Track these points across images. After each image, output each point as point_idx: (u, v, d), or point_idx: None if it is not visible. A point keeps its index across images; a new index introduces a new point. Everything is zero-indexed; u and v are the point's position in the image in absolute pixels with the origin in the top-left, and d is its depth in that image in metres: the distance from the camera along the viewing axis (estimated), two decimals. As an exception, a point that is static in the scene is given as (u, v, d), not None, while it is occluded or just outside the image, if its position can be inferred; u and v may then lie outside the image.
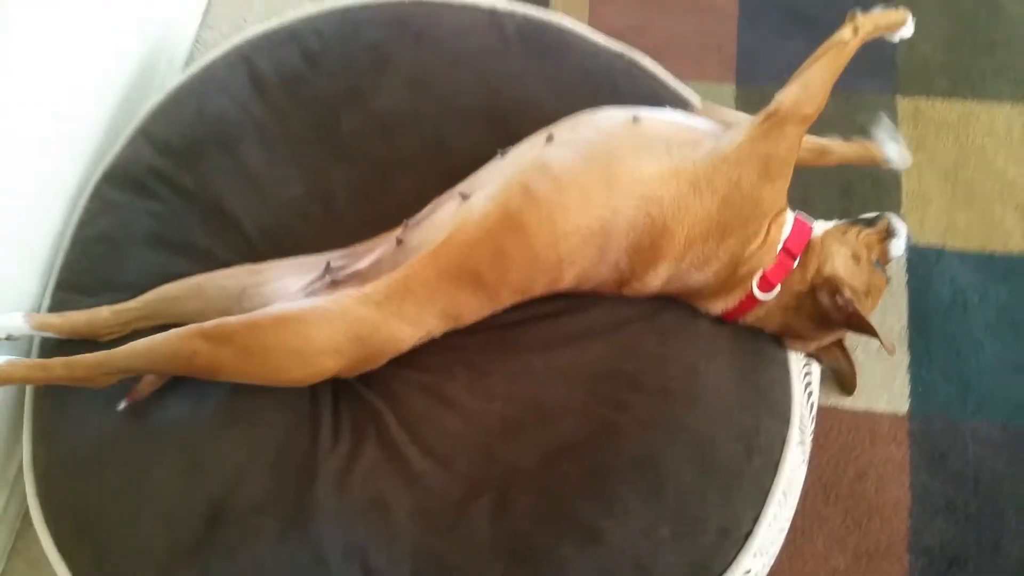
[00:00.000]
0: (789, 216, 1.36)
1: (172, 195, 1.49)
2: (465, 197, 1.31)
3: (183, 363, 1.24)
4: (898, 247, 1.40)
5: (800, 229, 1.35)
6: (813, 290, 1.33)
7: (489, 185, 1.31)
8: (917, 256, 1.72)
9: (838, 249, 1.36)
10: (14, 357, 1.32)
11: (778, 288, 1.33)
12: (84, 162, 1.62)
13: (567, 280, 1.33)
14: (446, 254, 1.27)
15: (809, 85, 1.29)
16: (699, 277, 1.32)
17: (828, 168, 1.77)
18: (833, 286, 1.32)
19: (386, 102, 1.52)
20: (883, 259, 1.39)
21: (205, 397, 1.34)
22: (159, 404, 1.34)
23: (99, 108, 1.67)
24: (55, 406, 1.39)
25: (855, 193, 1.78)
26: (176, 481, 1.30)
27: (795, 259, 1.33)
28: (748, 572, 1.29)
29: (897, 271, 1.70)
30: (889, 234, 1.40)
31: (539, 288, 1.33)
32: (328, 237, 1.44)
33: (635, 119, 1.33)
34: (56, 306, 1.46)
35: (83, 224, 1.51)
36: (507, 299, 1.34)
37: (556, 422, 1.33)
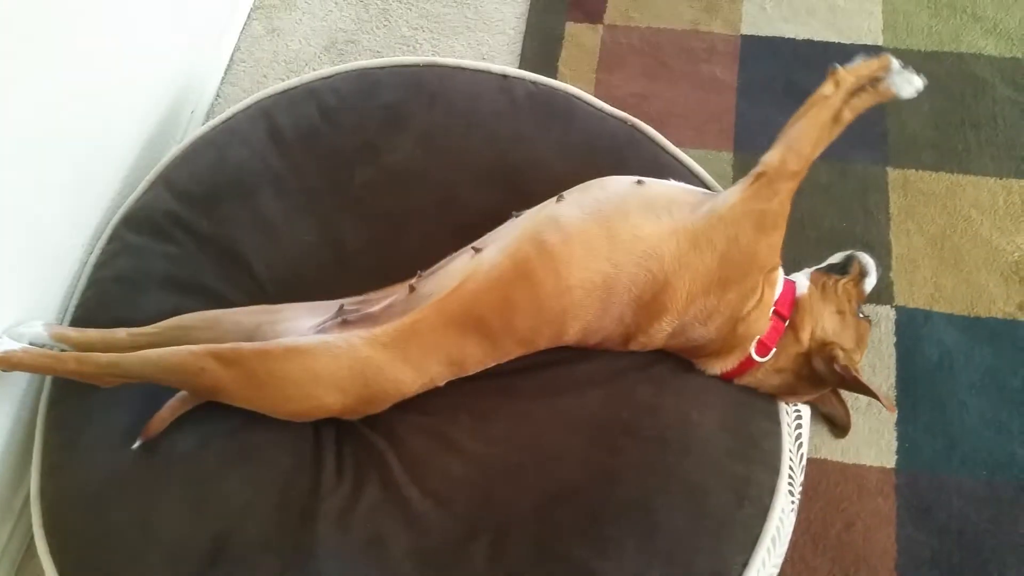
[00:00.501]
0: (780, 276, 1.43)
1: (188, 239, 1.56)
2: (477, 251, 1.38)
3: (189, 378, 1.30)
4: (871, 283, 1.51)
5: (787, 289, 1.42)
6: (808, 354, 1.40)
7: (501, 240, 1.37)
8: (906, 318, 1.78)
9: (823, 308, 1.43)
10: (30, 346, 1.39)
11: (773, 351, 1.40)
12: (104, 206, 1.70)
13: (571, 334, 1.38)
14: (454, 302, 1.32)
15: (794, 143, 1.35)
16: (702, 332, 1.38)
17: (819, 232, 1.88)
18: (827, 353, 1.39)
19: (399, 159, 1.61)
20: (860, 299, 1.49)
21: (212, 436, 1.40)
22: (167, 440, 1.39)
23: (122, 155, 1.76)
24: (65, 440, 1.44)
25: (847, 257, 1.86)
26: (181, 517, 1.34)
27: (786, 320, 1.40)
28: (737, 618, 1.33)
29: (886, 332, 1.77)
30: (862, 275, 1.49)
31: (543, 340, 1.39)
32: (337, 284, 1.49)
33: (639, 182, 1.41)
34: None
35: (100, 265, 1.58)
36: (511, 350, 1.39)
37: (554, 466, 1.38)
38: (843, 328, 1.44)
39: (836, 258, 1.54)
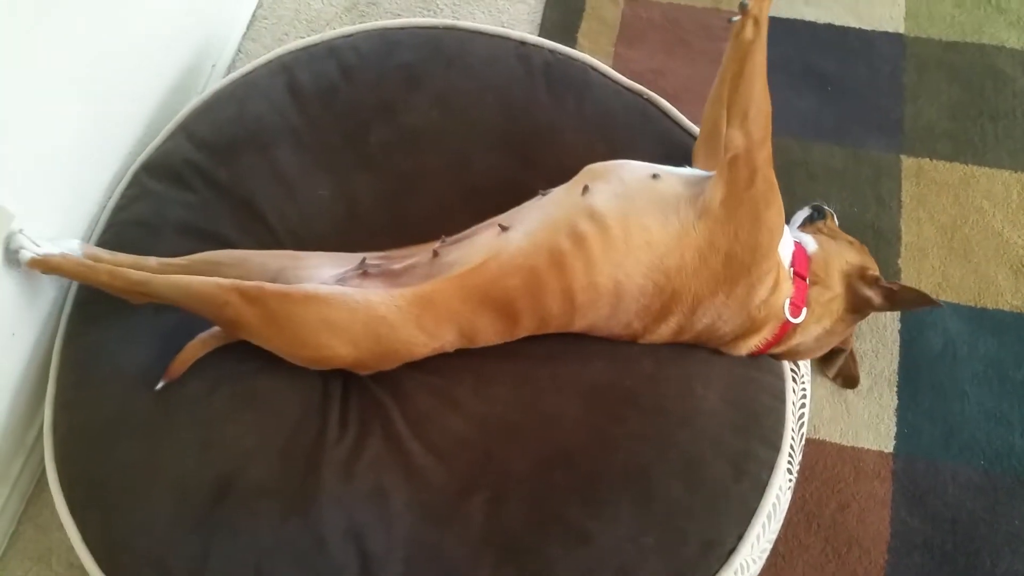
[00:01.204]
0: (788, 242, 1.44)
1: (206, 188, 1.57)
2: (504, 229, 1.38)
3: (214, 309, 1.32)
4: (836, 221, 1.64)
5: (798, 251, 1.44)
6: (848, 288, 1.45)
7: (528, 223, 1.37)
8: (912, 305, 1.79)
9: (838, 248, 1.49)
10: (69, 252, 1.42)
11: (805, 310, 1.41)
12: (124, 152, 1.70)
13: (577, 327, 1.40)
14: (476, 278, 1.33)
15: (749, 112, 1.31)
16: (716, 326, 1.38)
17: (831, 216, 1.87)
18: (869, 276, 1.44)
19: (414, 119, 1.61)
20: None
21: (221, 380, 1.41)
22: (179, 382, 1.40)
23: (144, 103, 1.77)
24: (78, 378, 1.46)
25: (856, 242, 1.87)
26: (187, 456, 1.36)
27: (806, 279, 1.42)
28: (729, 588, 1.34)
29: (890, 318, 1.77)
30: (832, 215, 1.62)
31: (551, 328, 1.40)
32: (349, 240, 1.51)
33: (655, 176, 1.39)
34: (85, 286, 1.52)
35: (119, 209, 1.59)
36: (522, 332, 1.40)
37: (554, 429, 1.40)
38: (861, 254, 1.51)
39: (805, 211, 1.65)
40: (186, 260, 1.43)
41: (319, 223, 1.57)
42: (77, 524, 1.38)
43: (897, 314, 1.78)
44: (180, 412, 1.39)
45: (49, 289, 1.57)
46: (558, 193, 1.41)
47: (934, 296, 1.75)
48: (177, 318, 1.43)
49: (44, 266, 1.41)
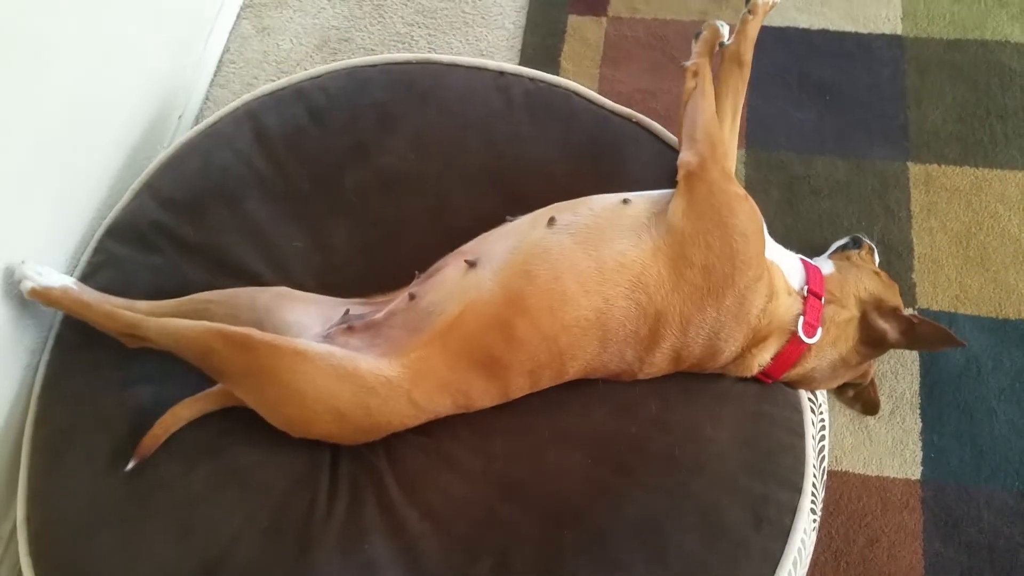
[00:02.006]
0: (787, 257, 1.39)
1: (173, 249, 1.51)
2: (471, 265, 1.31)
3: (199, 354, 1.29)
4: (876, 259, 1.60)
5: (812, 270, 1.39)
6: (863, 317, 1.37)
7: (495, 257, 1.31)
8: (929, 321, 1.70)
9: (858, 274, 1.43)
10: (72, 284, 1.43)
11: (820, 329, 1.34)
12: (88, 217, 1.65)
13: (571, 373, 1.33)
14: (456, 336, 1.27)
15: (697, 133, 1.37)
16: (716, 345, 1.31)
17: (837, 232, 1.81)
18: (885, 307, 1.37)
19: (390, 160, 1.55)
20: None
21: (199, 458, 1.34)
22: (151, 464, 1.33)
23: (106, 164, 1.71)
24: (49, 464, 1.39)
25: (866, 257, 1.78)
26: (167, 545, 1.29)
27: (820, 297, 1.35)
28: (759, 645, 1.25)
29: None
30: (872, 249, 1.58)
31: (546, 380, 1.32)
32: (329, 290, 1.46)
33: (625, 201, 1.35)
34: (55, 360, 1.47)
35: (84, 278, 1.52)
36: (517, 388, 1.33)
37: (557, 484, 1.32)
38: (884, 287, 1.43)
39: (842, 240, 1.63)
40: (176, 302, 1.41)
41: (296, 276, 1.50)
42: (60, 623, 1.31)
43: (915, 331, 1.69)
44: (156, 496, 1.32)
45: (15, 369, 1.51)
46: (523, 225, 1.35)
47: (952, 310, 1.67)
48: (150, 393, 1.37)
49: (44, 298, 1.42)
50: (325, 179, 1.55)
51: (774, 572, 1.27)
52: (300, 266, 1.51)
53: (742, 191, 1.33)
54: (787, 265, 1.37)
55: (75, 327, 1.47)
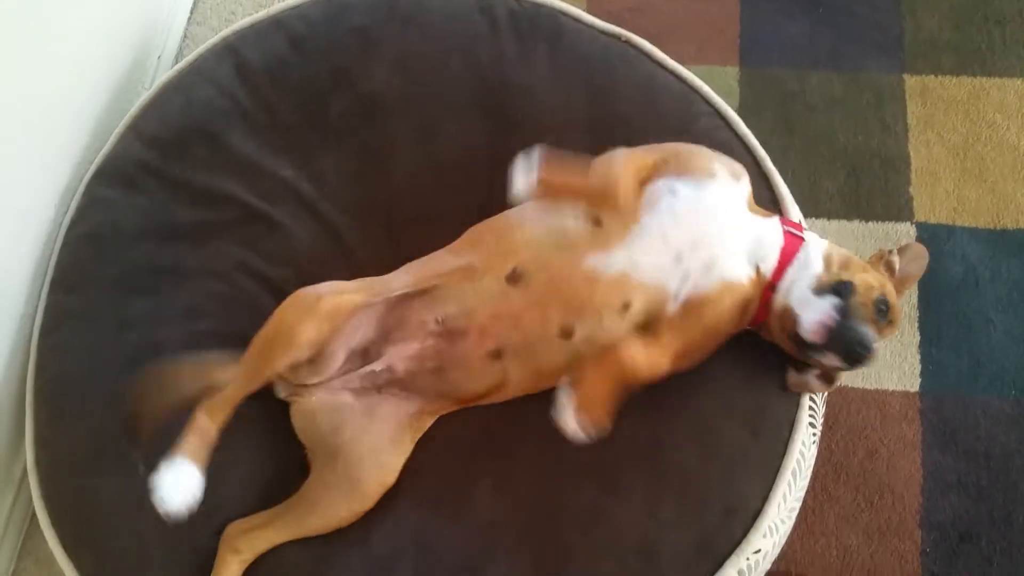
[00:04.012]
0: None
1: (160, 188, 1.50)
2: (495, 357, 1.27)
3: None
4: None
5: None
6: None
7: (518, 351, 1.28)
8: (927, 234, 1.69)
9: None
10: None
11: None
12: (73, 162, 1.63)
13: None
14: None
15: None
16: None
17: (833, 149, 1.79)
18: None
19: (374, 86, 1.52)
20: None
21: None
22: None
23: (90, 107, 1.69)
24: (52, 412, 1.40)
25: (863, 173, 1.77)
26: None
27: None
28: (758, 551, 1.27)
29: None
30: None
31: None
32: (320, 217, 1.48)
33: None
34: (51, 307, 1.47)
35: (73, 223, 1.52)
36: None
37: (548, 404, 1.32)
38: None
39: None
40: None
41: (286, 204, 1.49)
42: (73, 561, 1.33)
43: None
44: (158, 439, 1.28)
45: (11, 318, 1.51)
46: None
47: (950, 223, 1.66)
48: (145, 335, 1.38)
49: None
50: (309, 109, 1.53)
51: (773, 483, 1.29)
52: (290, 195, 1.49)
53: None
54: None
55: (68, 272, 1.48)
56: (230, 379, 1.28)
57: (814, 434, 1.38)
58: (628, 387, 1.19)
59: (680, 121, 1.51)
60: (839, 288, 1.23)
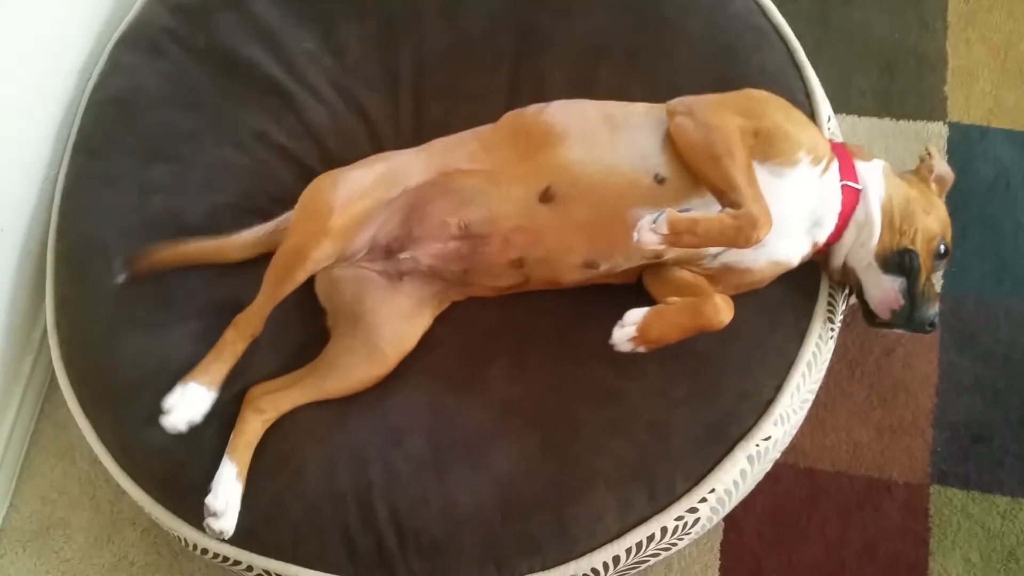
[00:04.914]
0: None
1: (184, 54, 1.49)
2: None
3: None
4: None
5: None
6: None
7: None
8: (959, 134, 1.65)
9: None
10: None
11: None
12: (98, 28, 1.61)
13: None
14: None
15: None
16: None
17: (868, 44, 1.73)
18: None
19: None
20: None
21: (224, 273, 1.36)
22: (178, 274, 1.36)
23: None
24: (73, 273, 1.42)
25: (897, 71, 1.72)
26: (188, 347, 1.30)
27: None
28: (768, 438, 1.27)
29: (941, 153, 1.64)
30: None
31: None
32: (343, 91, 1.48)
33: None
34: (73, 171, 1.48)
35: (96, 88, 1.51)
36: None
37: (574, 288, 1.31)
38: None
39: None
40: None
41: (308, 76, 1.49)
42: (91, 421, 1.36)
43: (944, 145, 1.65)
44: (180, 304, 1.35)
45: (34, 182, 1.51)
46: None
47: (984, 124, 1.61)
48: (165, 200, 1.38)
49: None
50: None
51: (788, 371, 1.29)
52: (312, 68, 1.49)
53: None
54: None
55: (91, 136, 1.48)
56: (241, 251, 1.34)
57: (832, 328, 1.37)
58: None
59: (713, 1, 1.47)
60: (905, 263, 1.24)
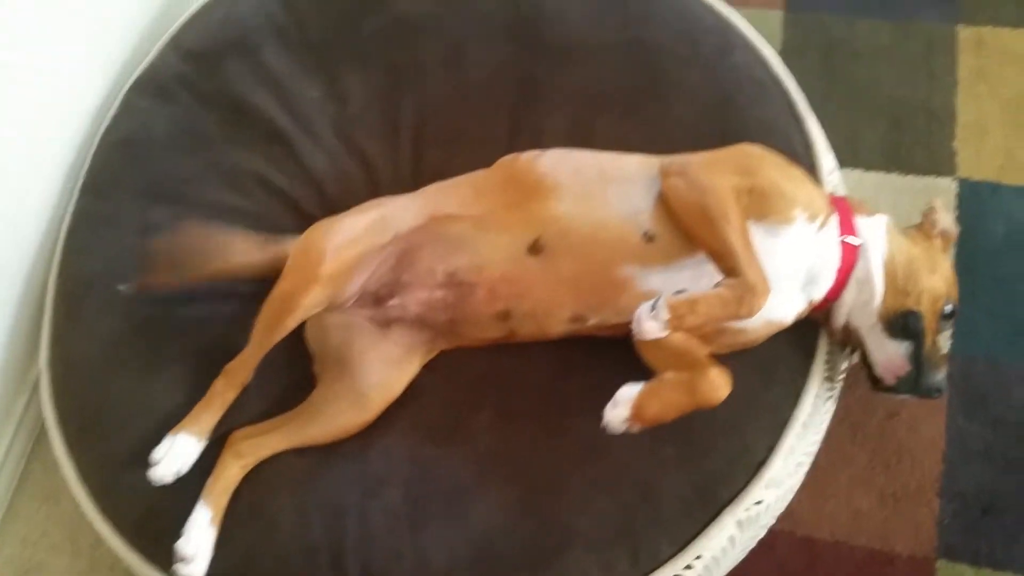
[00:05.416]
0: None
1: (192, 99, 1.52)
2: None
3: None
4: None
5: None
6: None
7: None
8: (969, 191, 1.61)
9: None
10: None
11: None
12: (115, 74, 1.65)
13: None
14: None
15: None
16: None
17: (878, 100, 1.70)
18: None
19: (407, 6, 1.52)
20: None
21: (218, 311, 1.35)
22: (170, 311, 1.35)
23: (132, 22, 1.70)
24: (70, 311, 1.42)
25: (906, 126, 1.68)
26: (178, 391, 1.30)
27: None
28: (760, 502, 1.22)
29: (947, 208, 1.59)
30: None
31: None
32: (345, 137, 1.48)
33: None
34: (78, 211, 1.50)
35: (108, 131, 1.55)
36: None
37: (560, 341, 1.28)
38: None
39: None
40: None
41: (312, 123, 1.51)
42: (74, 462, 1.35)
43: (953, 201, 1.60)
44: (171, 347, 1.34)
45: (41, 221, 1.54)
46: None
47: (996, 180, 1.56)
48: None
49: None
50: (342, 28, 1.53)
51: (782, 432, 1.24)
52: (316, 115, 1.50)
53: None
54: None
55: (99, 177, 1.51)
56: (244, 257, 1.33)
57: (831, 388, 1.31)
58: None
59: (716, 53, 1.46)
60: (910, 326, 1.20)
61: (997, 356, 1.48)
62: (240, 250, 1.35)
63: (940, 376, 1.20)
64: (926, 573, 1.36)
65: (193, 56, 1.55)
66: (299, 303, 1.22)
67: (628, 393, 1.09)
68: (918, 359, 1.20)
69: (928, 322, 1.21)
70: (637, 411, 1.08)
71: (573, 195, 1.23)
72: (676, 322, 1.07)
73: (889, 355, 1.21)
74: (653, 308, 1.07)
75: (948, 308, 1.23)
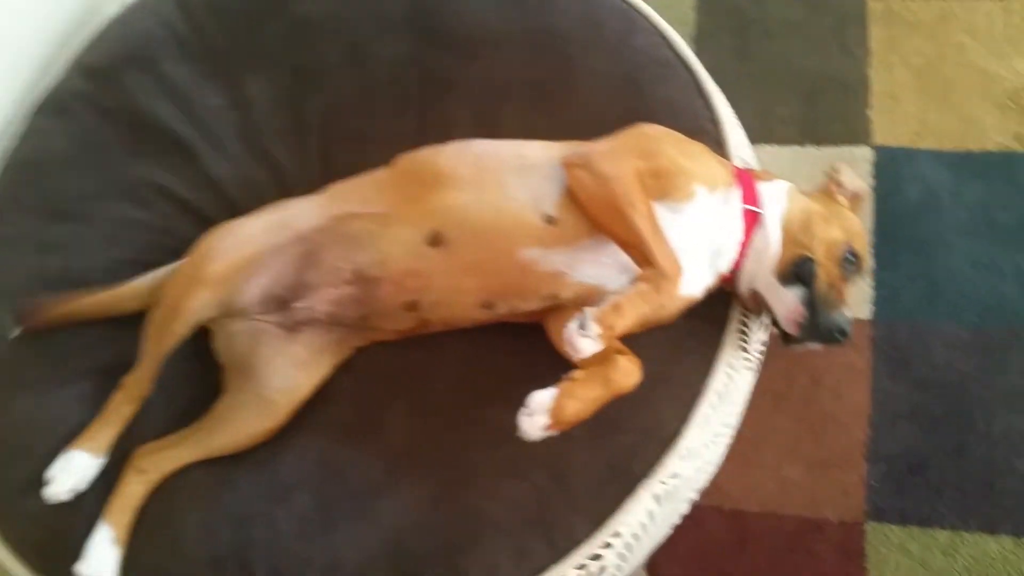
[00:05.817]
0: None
1: (93, 115, 1.50)
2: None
3: None
4: None
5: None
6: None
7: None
8: (886, 158, 1.61)
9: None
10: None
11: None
12: (18, 95, 1.61)
13: None
14: None
15: None
16: None
17: (790, 76, 1.71)
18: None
19: (307, 8, 1.51)
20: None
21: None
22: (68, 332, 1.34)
23: (34, 45, 1.67)
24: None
25: (819, 98, 1.69)
26: (78, 409, 1.27)
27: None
28: (676, 476, 1.21)
29: (862, 175, 1.60)
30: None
31: None
32: (249, 142, 1.47)
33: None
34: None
35: (11, 153, 1.52)
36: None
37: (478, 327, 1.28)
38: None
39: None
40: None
41: (214, 130, 1.50)
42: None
43: (870, 169, 1.61)
44: (70, 364, 1.32)
45: None
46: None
47: (911, 146, 1.57)
48: (61, 260, 1.38)
49: None
50: (243, 33, 1.52)
51: (693, 403, 1.23)
52: (220, 122, 1.50)
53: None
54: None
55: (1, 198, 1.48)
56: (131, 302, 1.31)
57: (746, 359, 1.31)
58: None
59: (618, 36, 1.46)
60: (800, 271, 1.19)
61: (918, 318, 1.49)
62: (129, 298, 1.33)
63: (840, 317, 1.18)
64: (855, 537, 1.36)
65: (93, 73, 1.54)
66: (185, 307, 1.21)
67: (542, 399, 1.06)
68: (812, 301, 1.18)
69: (825, 267, 1.19)
70: (555, 416, 1.06)
71: (471, 185, 1.22)
72: (608, 332, 1.06)
73: (786, 304, 1.19)
74: (582, 326, 1.05)
75: (849, 254, 1.21)
